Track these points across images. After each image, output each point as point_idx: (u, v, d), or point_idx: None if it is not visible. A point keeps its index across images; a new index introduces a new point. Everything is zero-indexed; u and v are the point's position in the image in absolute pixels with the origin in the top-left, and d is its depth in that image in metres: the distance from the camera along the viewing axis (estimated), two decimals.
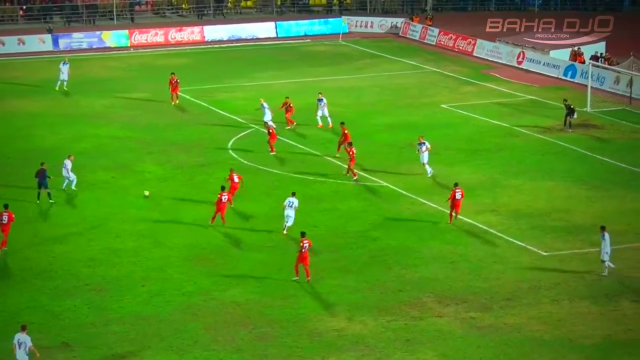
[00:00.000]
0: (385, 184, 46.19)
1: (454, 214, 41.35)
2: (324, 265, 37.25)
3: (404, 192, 44.73)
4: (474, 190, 45.17)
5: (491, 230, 40.46)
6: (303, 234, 36.25)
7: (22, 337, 29.14)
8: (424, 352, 30.95)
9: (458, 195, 41.22)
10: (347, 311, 33.58)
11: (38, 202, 43.64)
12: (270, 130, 50.12)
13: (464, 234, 40.29)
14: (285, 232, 39.95)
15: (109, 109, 59.90)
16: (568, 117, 54.40)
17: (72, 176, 45.03)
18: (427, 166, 46.60)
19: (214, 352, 30.98)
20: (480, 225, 41.02)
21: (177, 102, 60.39)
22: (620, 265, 37.05)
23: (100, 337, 31.80)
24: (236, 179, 43.19)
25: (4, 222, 38.64)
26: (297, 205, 40.18)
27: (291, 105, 54.91)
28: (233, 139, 53.11)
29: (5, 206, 39.20)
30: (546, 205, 43.37)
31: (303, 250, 35.73)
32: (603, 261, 36.12)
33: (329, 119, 54.30)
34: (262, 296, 34.81)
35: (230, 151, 51.18)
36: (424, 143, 46.87)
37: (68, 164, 45.02)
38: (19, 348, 29.02)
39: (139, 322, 32.76)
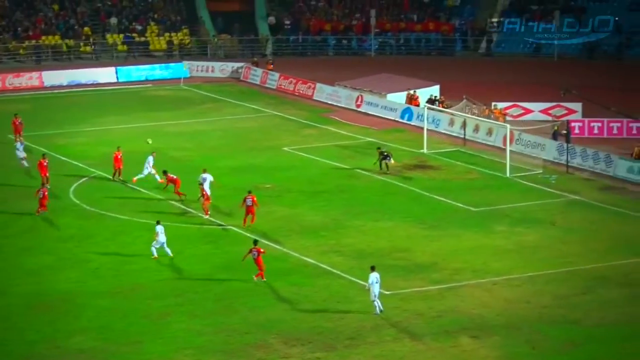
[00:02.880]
0: (229, 226, 46.23)
1: (248, 219, 45.70)
2: (169, 310, 36.98)
3: (248, 235, 44.79)
4: (317, 231, 45.67)
5: (335, 271, 40.89)
6: (255, 242, 39.80)
7: None
8: None
9: (249, 202, 45.59)
10: (193, 355, 33.36)
11: None
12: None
13: (308, 274, 40.59)
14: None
15: None
16: (384, 161, 55.25)
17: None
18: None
19: None
20: (325, 266, 41.43)
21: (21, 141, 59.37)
22: (459, 302, 37.97)
23: None
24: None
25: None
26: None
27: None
28: (75, 185, 52.32)
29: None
30: (387, 245, 44.12)
31: (254, 257, 39.17)
32: (372, 301, 36.58)
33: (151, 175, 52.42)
34: (107, 343, 34.28)
35: (72, 197, 50.36)
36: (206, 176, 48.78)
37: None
38: None
39: None
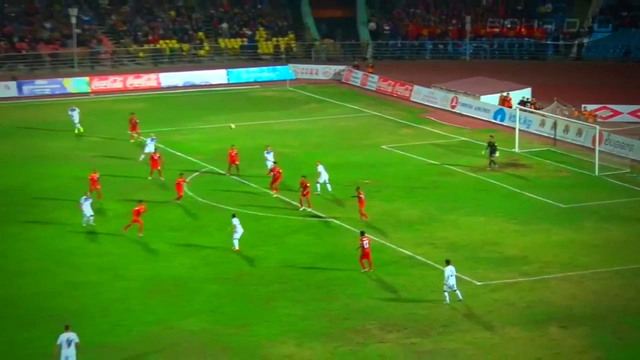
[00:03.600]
0: (330, 219, 46.36)
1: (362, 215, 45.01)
2: (274, 295, 37.26)
3: (348, 227, 44.87)
4: (413, 224, 45.52)
5: (429, 262, 40.70)
6: (362, 233, 39.38)
7: (70, 335, 30.25)
8: None
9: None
10: (297, 338, 33.56)
11: None
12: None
13: (404, 265, 40.49)
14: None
15: (70, 151, 59.59)
16: (491, 157, 54.93)
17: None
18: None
19: None
20: (419, 257, 41.27)
21: (138, 139, 60.46)
22: (548, 294, 37.48)
23: None
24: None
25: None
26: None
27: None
28: (188, 178, 52.92)
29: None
30: (479, 238, 43.76)
31: (365, 247, 38.73)
32: (447, 291, 36.27)
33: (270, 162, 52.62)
34: (217, 325, 34.69)
35: (186, 189, 50.95)
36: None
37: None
38: (68, 346, 30.06)
39: (101, 351, 32.41)
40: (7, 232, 43.84)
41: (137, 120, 61.79)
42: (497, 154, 55.25)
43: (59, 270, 39.87)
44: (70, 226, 45.11)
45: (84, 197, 45.05)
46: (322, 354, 32.41)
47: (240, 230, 41.95)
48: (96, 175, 48.57)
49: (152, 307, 36.12)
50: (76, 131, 63.40)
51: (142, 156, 55.80)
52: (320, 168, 50.03)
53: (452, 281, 36.18)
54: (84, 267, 40.08)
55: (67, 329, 30.64)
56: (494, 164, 54.81)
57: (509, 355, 32.37)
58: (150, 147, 55.94)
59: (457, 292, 36.26)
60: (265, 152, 53.38)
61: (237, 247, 41.88)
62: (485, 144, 55.79)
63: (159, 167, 52.27)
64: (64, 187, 51.41)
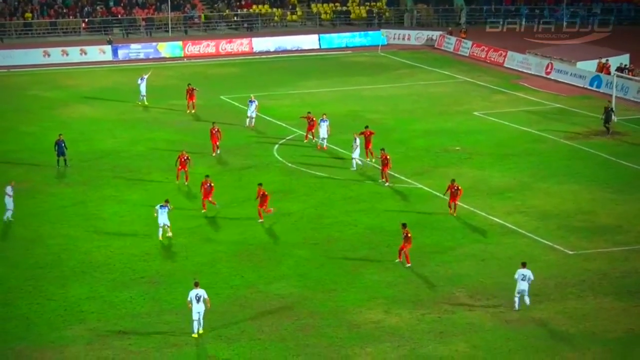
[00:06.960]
0: (420, 186, 46.05)
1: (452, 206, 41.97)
2: (362, 262, 37.22)
3: (438, 194, 44.50)
4: (504, 192, 44.97)
5: (520, 230, 40.21)
6: (404, 225, 37.05)
7: (199, 291, 31.29)
8: (456, 343, 30.85)
9: (455, 189, 41.67)
10: (384, 304, 33.51)
11: (58, 167, 48.43)
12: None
13: (494, 233, 40.06)
14: None
15: (163, 115, 60.22)
16: (607, 124, 53.93)
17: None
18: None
19: (259, 341, 31.06)
20: (510, 226, 40.78)
21: (193, 111, 59.58)
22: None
23: (154, 326, 31.97)
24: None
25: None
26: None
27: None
28: (278, 143, 53.19)
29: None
30: (572, 207, 43.04)
31: (409, 236, 36.59)
32: (514, 295, 33.19)
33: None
34: (304, 289, 34.83)
35: (276, 154, 51.24)
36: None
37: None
38: (197, 301, 31.16)
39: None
40: (102, 195, 44.55)
41: (195, 89, 60.07)
42: (615, 118, 53.97)
43: (151, 232, 40.35)
44: (162, 189, 45.65)
45: (9, 186, 41.52)
46: (409, 320, 32.32)
47: (161, 220, 39.10)
48: (184, 156, 46.16)
49: (240, 271, 36.42)
50: (139, 102, 62.05)
51: (251, 122, 55.86)
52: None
53: (523, 286, 32.69)
54: (175, 231, 40.43)
55: (196, 285, 31.56)
56: (607, 131, 53.61)
57: (600, 326, 31.85)
58: (252, 110, 55.88)
59: (527, 297, 32.96)
60: (321, 120, 51.78)
61: (160, 237, 39.31)
62: (604, 110, 54.46)
63: (217, 142, 50.90)
64: (157, 150, 52.02)
